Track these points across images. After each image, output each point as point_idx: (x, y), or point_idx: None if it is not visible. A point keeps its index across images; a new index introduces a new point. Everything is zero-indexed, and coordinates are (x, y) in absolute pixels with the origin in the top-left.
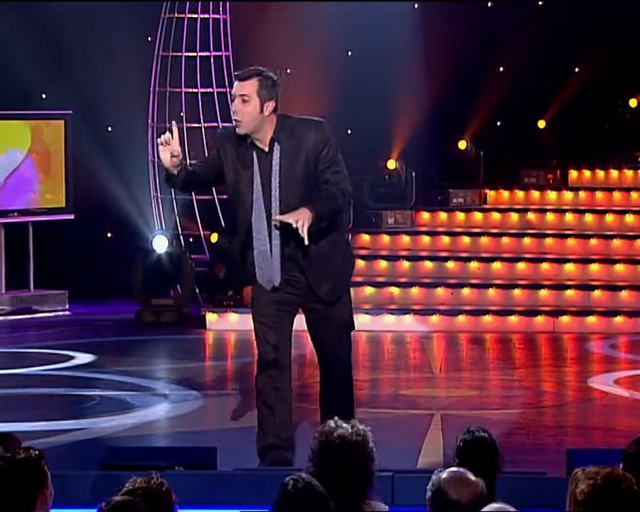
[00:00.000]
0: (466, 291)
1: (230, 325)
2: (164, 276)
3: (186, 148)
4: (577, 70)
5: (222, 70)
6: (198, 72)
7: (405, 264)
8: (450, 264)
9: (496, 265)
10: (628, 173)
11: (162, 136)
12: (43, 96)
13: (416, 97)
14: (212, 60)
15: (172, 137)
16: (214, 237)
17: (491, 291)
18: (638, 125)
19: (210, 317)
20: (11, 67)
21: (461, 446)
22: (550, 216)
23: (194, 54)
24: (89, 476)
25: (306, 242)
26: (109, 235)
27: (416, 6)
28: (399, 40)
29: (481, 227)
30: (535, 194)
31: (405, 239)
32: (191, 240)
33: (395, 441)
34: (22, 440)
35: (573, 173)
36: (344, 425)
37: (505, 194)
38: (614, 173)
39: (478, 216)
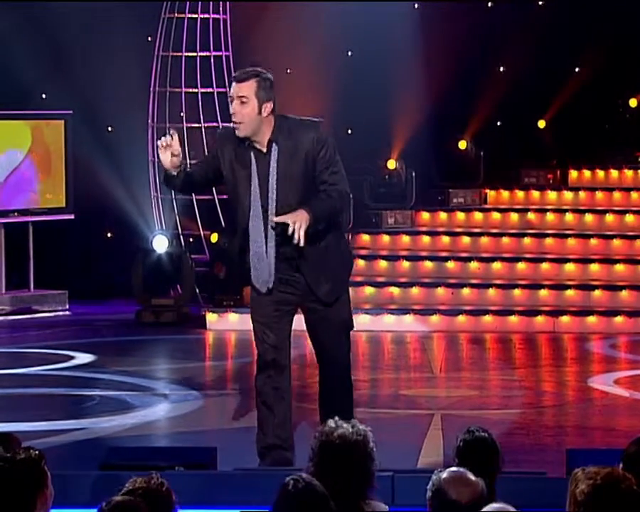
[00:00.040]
0: (466, 291)
1: (230, 325)
2: (164, 276)
3: (186, 148)
4: (577, 70)
5: (222, 70)
6: (198, 72)
7: (405, 264)
8: (450, 264)
9: (496, 265)
10: (629, 173)
11: (162, 138)
12: (43, 96)
13: (416, 97)
14: (212, 60)
15: (172, 139)
16: (214, 237)
17: (491, 291)
18: (638, 125)
19: (210, 317)
20: (11, 67)
21: (461, 446)
22: (550, 216)
23: (194, 54)
24: (89, 476)
25: (302, 244)
26: (109, 235)
27: (416, 6)
28: (399, 40)
29: (481, 227)
30: (535, 194)
31: (405, 239)
32: (191, 239)
33: (395, 441)
34: (22, 440)
35: (573, 173)
36: (344, 425)
37: (505, 194)
38: (614, 173)
39: (478, 216)
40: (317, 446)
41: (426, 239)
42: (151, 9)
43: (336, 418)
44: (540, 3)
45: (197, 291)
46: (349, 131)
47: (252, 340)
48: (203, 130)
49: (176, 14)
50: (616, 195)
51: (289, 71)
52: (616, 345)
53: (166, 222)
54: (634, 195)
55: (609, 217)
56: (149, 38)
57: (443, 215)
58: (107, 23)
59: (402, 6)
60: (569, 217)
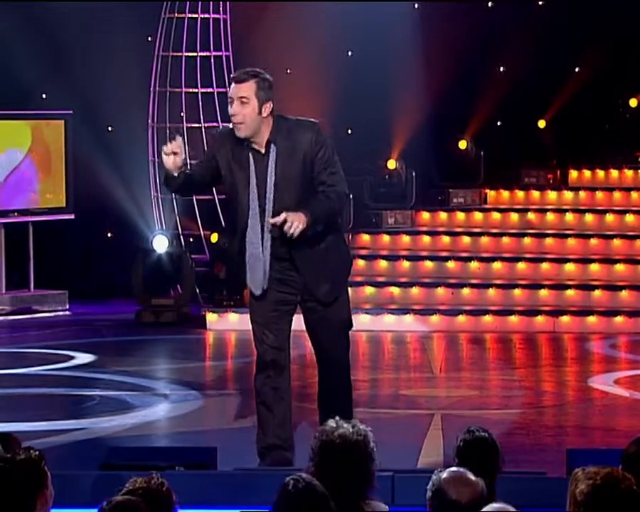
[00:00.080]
0: (466, 291)
1: (230, 325)
2: (164, 276)
3: (186, 148)
4: (577, 70)
5: (223, 70)
6: (198, 72)
7: (405, 264)
8: (450, 264)
9: (496, 265)
10: (629, 173)
11: (170, 144)
12: (43, 96)
13: (416, 97)
14: (212, 60)
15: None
16: (214, 237)
17: (491, 291)
18: (638, 125)
19: (210, 317)
20: (11, 67)
21: (462, 446)
22: (550, 216)
23: (194, 54)
24: (89, 476)
25: (293, 237)
26: (109, 234)
27: (416, 6)
28: (399, 40)
29: (481, 227)
30: (535, 194)
31: (405, 239)
32: (191, 239)
33: (395, 441)
34: (22, 440)
35: (573, 173)
36: (345, 425)
37: (505, 194)
38: (614, 173)
39: (478, 216)
40: (317, 446)
41: (426, 239)
42: (151, 9)
43: (337, 418)
44: (540, 3)
45: (197, 291)
46: (349, 131)
47: (252, 340)
48: (203, 130)
49: (176, 14)
50: (616, 195)
51: (289, 71)
52: (616, 345)
53: (166, 222)
54: (634, 195)
55: (609, 217)
56: (149, 38)
57: (443, 215)
58: (107, 23)
59: (402, 6)
60: (569, 217)
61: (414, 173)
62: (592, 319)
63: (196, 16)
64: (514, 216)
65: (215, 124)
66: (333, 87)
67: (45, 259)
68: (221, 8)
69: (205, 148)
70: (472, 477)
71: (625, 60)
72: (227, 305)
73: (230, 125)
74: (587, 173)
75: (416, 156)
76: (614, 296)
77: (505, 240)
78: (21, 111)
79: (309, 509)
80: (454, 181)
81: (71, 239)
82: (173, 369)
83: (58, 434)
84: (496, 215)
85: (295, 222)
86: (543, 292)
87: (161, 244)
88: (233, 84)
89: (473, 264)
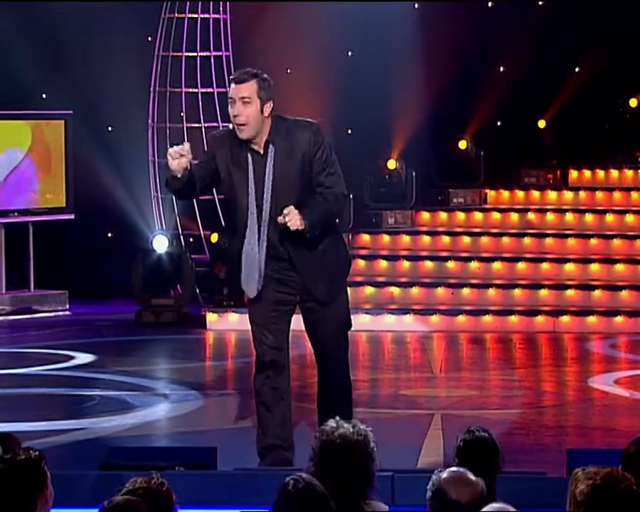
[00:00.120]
0: (466, 291)
1: (230, 325)
2: (164, 276)
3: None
4: (577, 70)
5: (223, 70)
6: (198, 72)
7: (405, 264)
8: (450, 264)
9: (496, 265)
10: (629, 173)
11: (176, 147)
12: (44, 96)
13: (416, 97)
14: (212, 60)
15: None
16: (214, 237)
17: (491, 291)
18: (638, 125)
19: (210, 317)
20: (11, 67)
21: (462, 446)
22: (550, 216)
23: (194, 54)
24: (89, 476)
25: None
26: (109, 234)
27: (416, 6)
28: (399, 40)
29: (481, 227)
30: (535, 194)
31: (405, 239)
32: (191, 239)
33: (395, 441)
34: (22, 440)
35: (573, 173)
36: (345, 425)
37: (505, 194)
38: (614, 173)
39: (478, 216)
40: (318, 446)
41: (426, 239)
42: (151, 9)
43: (337, 418)
44: (540, 3)
45: (197, 291)
46: (349, 131)
47: (251, 341)
48: (203, 130)
49: (176, 14)
50: (617, 195)
51: (289, 71)
52: (616, 345)
53: (166, 222)
54: (634, 195)
55: (609, 217)
56: (149, 38)
57: (443, 215)
58: (107, 23)
59: (402, 6)
60: (569, 217)
61: (414, 173)
62: (592, 319)
63: (196, 16)
64: (514, 216)
65: (215, 124)
66: (333, 87)
67: (45, 259)
68: (221, 8)
69: (206, 148)
70: (472, 477)
71: (625, 60)
72: (227, 305)
73: (231, 126)
74: (587, 173)
75: (416, 156)
76: (614, 296)
77: (505, 239)
78: (21, 111)
79: (309, 509)
80: (454, 181)
81: (71, 239)
82: (173, 369)
83: (58, 434)
84: (496, 215)
85: (296, 217)
86: (543, 292)
87: (161, 244)
88: (234, 85)
89: (473, 264)
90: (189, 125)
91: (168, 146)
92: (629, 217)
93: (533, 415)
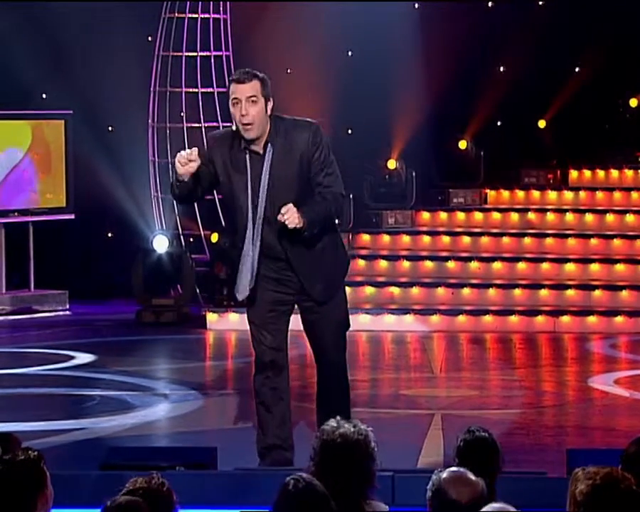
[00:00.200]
0: (466, 291)
1: (230, 325)
2: (164, 276)
3: (186, 149)
4: (577, 70)
5: (223, 69)
6: (199, 72)
7: (405, 264)
8: (450, 264)
9: (497, 265)
10: (629, 172)
11: (188, 151)
12: (44, 96)
13: (416, 97)
14: (212, 60)
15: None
16: (214, 237)
17: (492, 291)
18: (638, 125)
19: (211, 317)
20: (12, 67)
21: (462, 446)
22: (550, 216)
23: (194, 54)
24: (89, 476)
25: (290, 226)
26: (109, 234)
27: (416, 6)
28: (399, 40)
29: (481, 227)
30: (536, 194)
31: (405, 239)
32: (191, 239)
33: (396, 441)
34: (22, 440)
35: (573, 173)
36: (346, 425)
37: (505, 194)
38: (615, 173)
39: (478, 216)
40: (319, 446)
41: (426, 239)
42: (151, 9)
43: (338, 418)
44: (540, 3)
45: (197, 291)
46: (349, 131)
47: (251, 341)
48: (203, 130)
49: (176, 14)
50: (617, 195)
51: (289, 71)
52: (616, 345)
53: (166, 222)
54: (634, 195)
55: (610, 217)
56: (149, 38)
57: (443, 215)
58: (107, 23)
59: (402, 6)
60: (569, 217)
61: (414, 173)
62: (592, 319)
63: (196, 16)
64: (514, 216)
65: (215, 124)
66: (333, 87)
67: (45, 259)
68: (221, 8)
69: (206, 148)
70: (472, 477)
71: (625, 60)
72: (228, 305)
73: (234, 127)
74: (587, 173)
75: (416, 156)
76: (614, 296)
77: (506, 239)
78: (21, 111)
79: (310, 509)
80: (454, 181)
81: (71, 239)
82: (173, 369)
83: (58, 434)
84: (496, 215)
85: (294, 215)
86: (543, 292)
87: (161, 244)
88: (237, 85)
89: (474, 264)
90: (189, 125)
91: (169, 146)
92: (629, 217)
93: (533, 415)
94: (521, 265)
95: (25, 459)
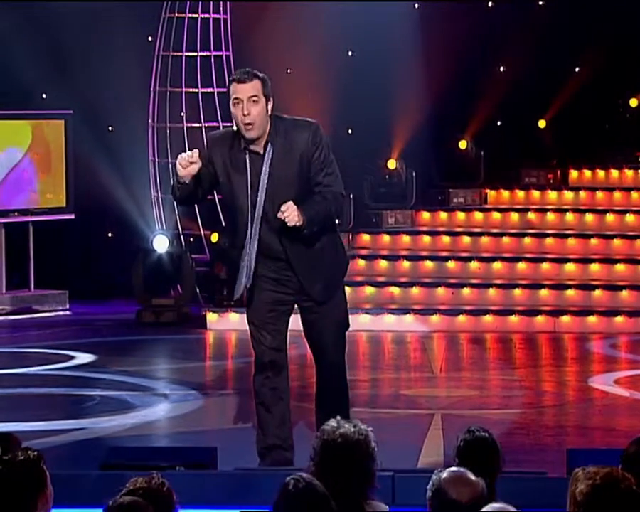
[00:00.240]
0: (466, 291)
1: (230, 325)
2: (165, 276)
3: (186, 149)
4: (577, 70)
5: (223, 69)
6: (199, 72)
7: (406, 264)
8: (450, 264)
9: (497, 265)
10: (629, 172)
11: (189, 153)
12: (44, 96)
13: (416, 97)
14: (212, 60)
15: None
16: (214, 237)
17: (492, 291)
18: (638, 125)
19: (211, 317)
20: (12, 67)
21: (462, 446)
22: (550, 216)
23: (194, 54)
24: (89, 476)
25: (290, 223)
26: (109, 234)
27: (416, 6)
28: (399, 40)
29: (481, 227)
30: (536, 194)
31: (406, 239)
32: (192, 239)
33: (396, 441)
34: (22, 440)
35: (573, 173)
36: (346, 425)
37: (505, 194)
38: (615, 172)
39: (478, 216)
40: (319, 446)
41: (426, 239)
42: (151, 9)
43: (338, 417)
44: (540, 3)
45: (197, 291)
46: (349, 131)
47: (250, 341)
48: (204, 130)
49: (176, 14)
50: (617, 195)
51: (289, 71)
52: (616, 345)
53: (166, 222)
54: (634, 195)
55: (610, 217)
56: (149, 38)
57: (443, 215)
58: (107, 23)
59: (402, 6)
60: (569, 217)
61: (414, 173)
62: (592, 319)
63: (196, 15)
64: (514, 216)
65: (215, 123)
66: (333, 87)
67: (45, 259)
68: (221, 8)
69: (206, 148)
70: (472, 477)
71: (625, 60)
72: (228, 305)
73: (235, 127)
74: (587, 173)
75: (416, 156)
76: (614, 296)
77: (506, 239)
78: (22, 111)
79: (310, 509)
80: (454, 181)
81: (71, 239)
82: (173, 369)
83: (58, 434)
84: (496, 215)
85: (294, 212)
86: (543, 292)
87: (161, 244)
88: (238, 85)
89: (474, 264)
90: (189, 125)
91: (169, 146)
92: (629, 217)
93: (533, 415)
94: (521, 265)
95: (25, 459)
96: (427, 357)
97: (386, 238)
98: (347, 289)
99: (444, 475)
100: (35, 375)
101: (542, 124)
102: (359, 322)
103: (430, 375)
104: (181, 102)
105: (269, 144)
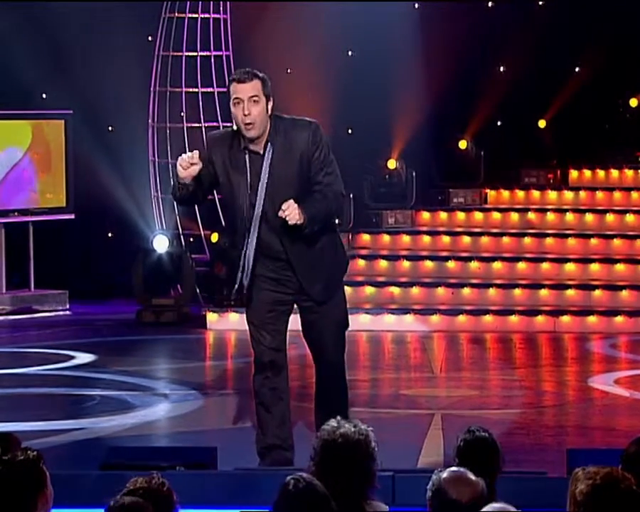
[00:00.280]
0: (466, 290)
1: (230, 325)
2: (165, 276)
3: (187, 148)
4: (577, 70)
5: (223, 69)
6: (199, 72)
7: (406, 264)
8: (450, 264)
9: (497, 265)
10: (629, 172)
11: (189, 154)
12: (44, 96)
13: (416, 97)
14: (212, 60)
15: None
16: (214, 237)
17: (492, 290)
18: (638, 125)
19: (211, 317)
20: (12, 67)
21: (462, 446)
22: (550, 216)
23: (194, 54)
24: (89, 476)
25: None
26: (109, 234)
27: (416, 6)
28: (399, 40)
29: (481, 226)
30: (536, 194)
31: (406, 239)
32: (192, 239)
33: (396, 440)
34: (22, 440)
35: (573, 173)
36: (347, 424)
37: (505, 194)
38: (615, 172)
39: (478, 216)
40: (319, 446)
41: (426, 239)
42: (151, 9)
43: (339, 417)
44: (540, 3)
45: (197, 291)
46: (349, 131)
47: (250, 341)
48: (204, 130)
49: (176, 14)
50: (617, 194)
51: (289, 71)
52: (616, 345)
53: (166, 222)
54: (634, 195)
55: (610, 217)
56: (149, 38)
57: (443, 215)
58: (107, 23)
59: (402, 6)
60: (569, 217)
61: (414, 173)
62: (592, 319)
63: (196, 15)
64: (514, 216)
65: (215, 123)
66: (333, 87)
67: (45, 259)
68: (221, 8)
69: (206, 148)
70: (472, 477)
71: (625, 60)
72: (228, 305)
73: (235, 127)
74: (587, 173)
75: (416, 156)
76: (614, 296)
77: (506, 239)
78: (22, 110)
79: (310, 509)
80: (454, 181)
81: (71, 239)
82: (173, 369)
83: (58, 434)
84: (496, 215)
85: (295, 211)
86: (543, 292)
87: (161, 244)
88: (238, 85)
89: (474, 264)
90: (189, 125)
91: (169, 146)
92: (629, 217)
93: (533, 415)
94: (521, 265)
95: (24, 459)
96: (427, 357)
97: (386, 238)
98: (347, 289)
99: (444, 475)
100: (35, 375)
101: (542, 124)
102: (359, 322)
103: (430, 375)
104: (181, 102)
105: (269, 143)
